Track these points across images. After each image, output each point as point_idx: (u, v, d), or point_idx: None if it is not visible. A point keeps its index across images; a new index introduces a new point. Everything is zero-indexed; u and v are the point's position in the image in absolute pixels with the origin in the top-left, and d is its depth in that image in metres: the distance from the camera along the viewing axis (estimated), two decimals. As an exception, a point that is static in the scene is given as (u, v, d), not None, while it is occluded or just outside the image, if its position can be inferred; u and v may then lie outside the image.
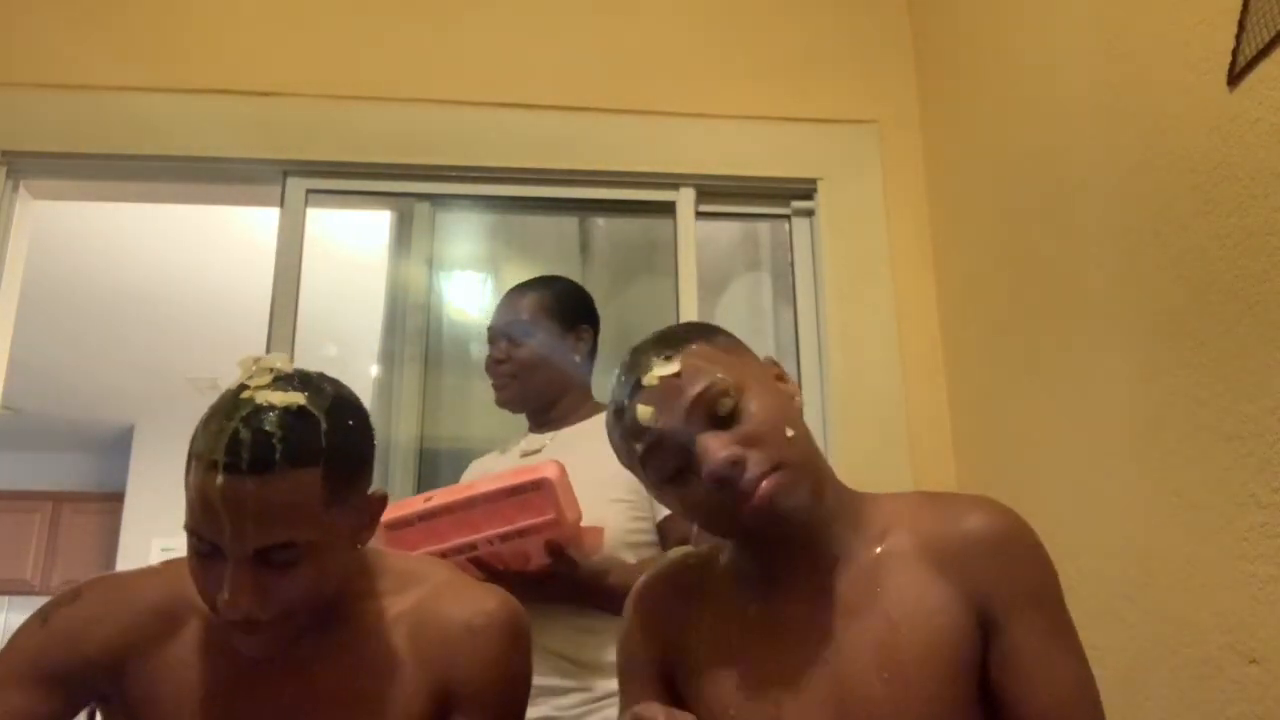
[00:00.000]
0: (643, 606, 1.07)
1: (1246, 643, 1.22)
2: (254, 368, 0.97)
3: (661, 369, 0.95)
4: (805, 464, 0.95)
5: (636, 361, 0.98)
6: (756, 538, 0.98)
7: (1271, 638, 1.18)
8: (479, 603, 1.06)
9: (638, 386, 0.95)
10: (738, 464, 0.91)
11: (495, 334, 1.78)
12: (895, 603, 0.93)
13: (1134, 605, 1.44)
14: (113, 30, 2.15)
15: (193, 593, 0.98)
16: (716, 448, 0.91)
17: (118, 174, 2.19)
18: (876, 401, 2.12)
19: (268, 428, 0.90)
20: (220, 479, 0.89)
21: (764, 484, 0.91)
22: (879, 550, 0.96)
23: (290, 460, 0.90)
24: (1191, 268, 1.34)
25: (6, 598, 5.95)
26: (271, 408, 0.92)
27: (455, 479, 2.29)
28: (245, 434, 0.90)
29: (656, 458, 0.95)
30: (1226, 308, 1.26)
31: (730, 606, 1.01)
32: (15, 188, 2.11)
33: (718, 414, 0.93)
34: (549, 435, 1.73)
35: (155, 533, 5.56)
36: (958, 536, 0.94)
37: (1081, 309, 1.62)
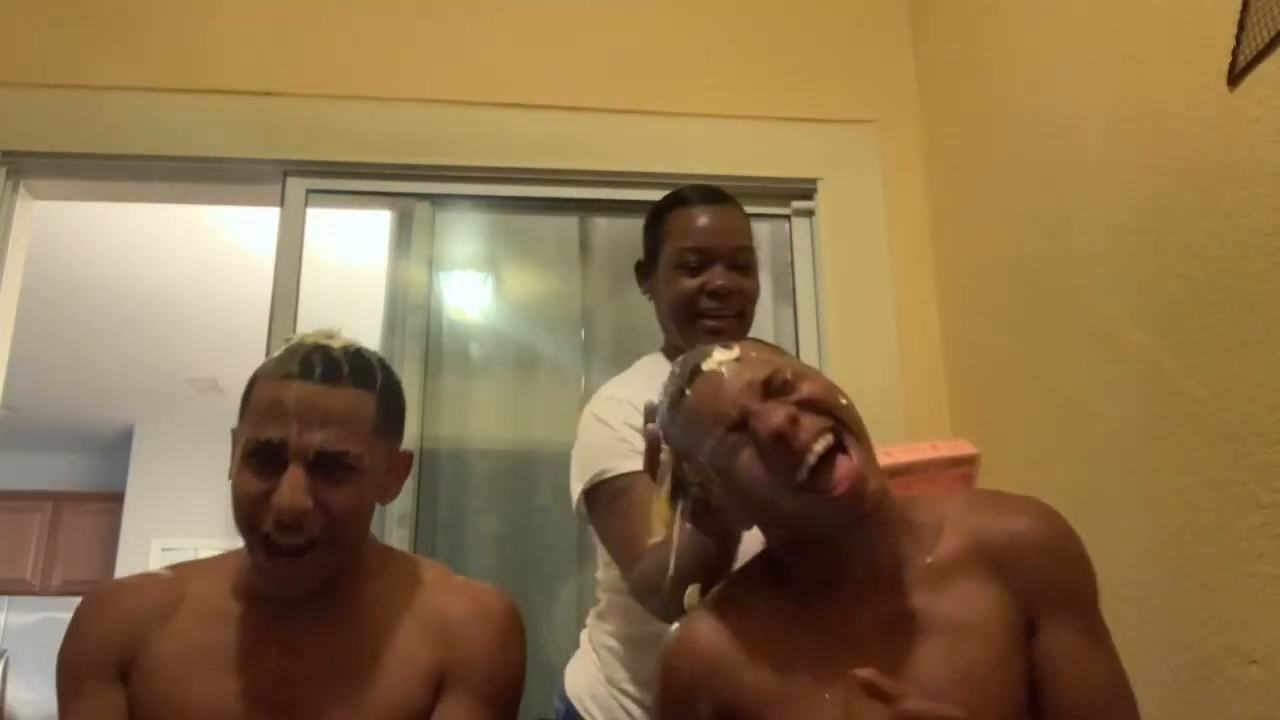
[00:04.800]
0: (674, 679, 1.00)
1: (1246, 643, 1.22)
2: (307, 333, 1.11)
3: (722, 354, 1.00)
4: (865, 433, 0.97)
5: (689, 358, 1.03)
6: (810, 530, 0.96)
7: (1271, 638, 1.18)
8: (478, 594, 1.12)
9: (697, 370, 1.00)
10: (794, 422, 0.92)
11: (716, 256, 1.49)
12: (960, 609, 0.94)
13: (1134, 605, 1.44)
14: (113, 30, 2.15)
15: (187, 580, 1.08)
16: (774, 407, 0.93)
17: (118, 174, 2.19)
18: (876, 401, 2.08)
19: (335, 354, 1.06)
20: (295, 385, 1.02)
21: (841, 467, 0.91)
22: (933, 557, 0.97)
23: (353, 379, 1.05)
24: (1191, 268, 1.33)
25: (6, 598, 5.94)
26: (333, 348, 1.07)
27: (456, 479, 2.28)
28: (317, 356, 1.05)
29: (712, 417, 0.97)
30: (1226, 308, 1.26)
31: (783, 639, 0.97)
32: (15, 188, 2.11)
33: (773, 387, 0.96)
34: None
35: (155, 533, 5.51)
36: (1006, 538, 0.96)
37: (1081, 309, 1.62)
